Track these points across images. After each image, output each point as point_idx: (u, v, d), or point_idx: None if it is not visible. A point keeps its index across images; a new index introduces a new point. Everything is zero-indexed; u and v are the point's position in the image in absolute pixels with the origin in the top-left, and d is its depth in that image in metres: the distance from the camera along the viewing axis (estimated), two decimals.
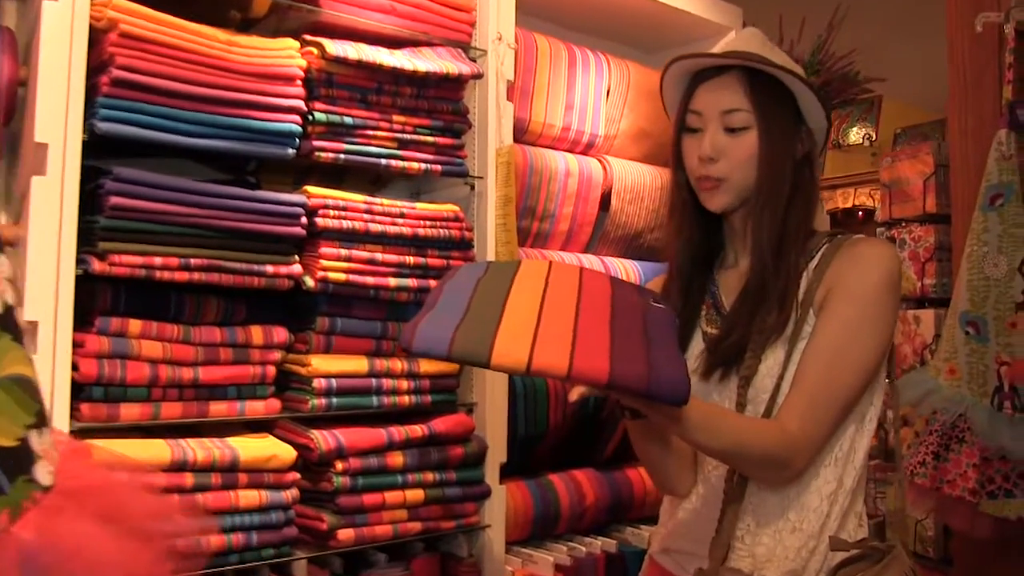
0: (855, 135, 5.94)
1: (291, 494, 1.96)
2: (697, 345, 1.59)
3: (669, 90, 1.63)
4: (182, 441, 1.86)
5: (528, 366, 1.13)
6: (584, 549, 2.52)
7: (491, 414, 2.33)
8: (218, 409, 1.94)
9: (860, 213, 5.33)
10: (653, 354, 1.19)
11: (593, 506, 2.57)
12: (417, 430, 2.14)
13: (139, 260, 1.80)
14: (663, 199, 1.61)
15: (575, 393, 1.21)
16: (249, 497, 1.89)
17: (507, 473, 2.37)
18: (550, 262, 1.38)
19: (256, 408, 2.00)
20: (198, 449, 1.85)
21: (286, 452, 1.96)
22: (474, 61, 2.34)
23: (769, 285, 1.48)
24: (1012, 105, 2.42)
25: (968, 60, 2.69)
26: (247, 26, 2.11)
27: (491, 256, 2.32)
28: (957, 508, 2.45)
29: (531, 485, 2.48)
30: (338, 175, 2.39)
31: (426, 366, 2.19)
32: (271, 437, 2.02)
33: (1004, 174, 2.42)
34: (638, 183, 2.80)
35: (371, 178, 2.48)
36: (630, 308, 1.28)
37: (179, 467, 1.81)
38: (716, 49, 1.63)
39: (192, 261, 1.86)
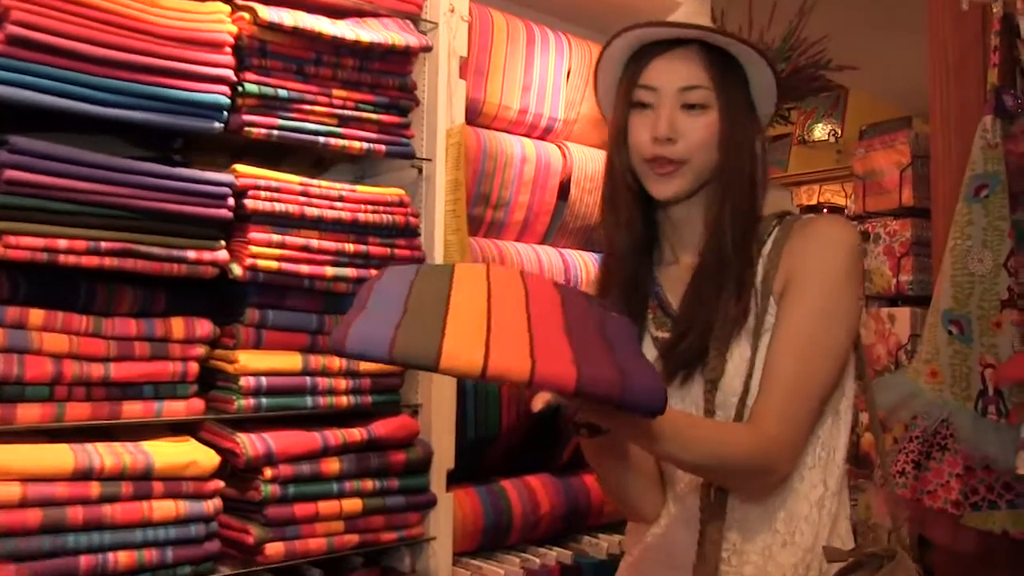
0: (820, 131, 5.83)
1: (213, 504, 1.78)
2: (649, 352, 1.45)
3: (608, 66, 1.46)
4: (88, 446, 1.67)
5: (484, 369, 0.98)
6: (538, 560, 2.38)
7: (437, 416, 2.16)
8: (132, 410, 1.76)
9: (825, 210, 5.23)
10: (620, 360, 1.04)
11: (548, 514, 2.42)
12: (355, 434, 1.98)
13: (40, 242, 1.61)
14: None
15: (539, 401, 1.07)
16: (164, 508, 1.70)
17: (455, 479, 2.22)
18: (487, 264, 1.24)
19: (176, 409, 1.82)
20: (106, 455, 1.66)
21: (207, 458, 1.77)
22: (424, 34, 2.16)
23: (726, 274, 1.36)
24: (998, 90, 2.29)
25: (950, 42, 2.55)
26: None
27: (439, 245, 2.15)
28: (939, 521, 2.32)
29: (481, 492, 2.33)
30: (277, 156, 2.21)
31: (366, 364, 2.01)
32: (192, 440, 1.84)
33: (989, 163, 2.28)
34: (599, 171, 2.61)
35: (312, 160, 2.30)
36: (582, 313, 1.14)
37: (84, 475, 1.62)
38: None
39: (102, 245, 1.67)
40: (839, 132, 5.83)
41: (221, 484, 1.80)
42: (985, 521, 2.24)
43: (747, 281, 1.36)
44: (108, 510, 1.64)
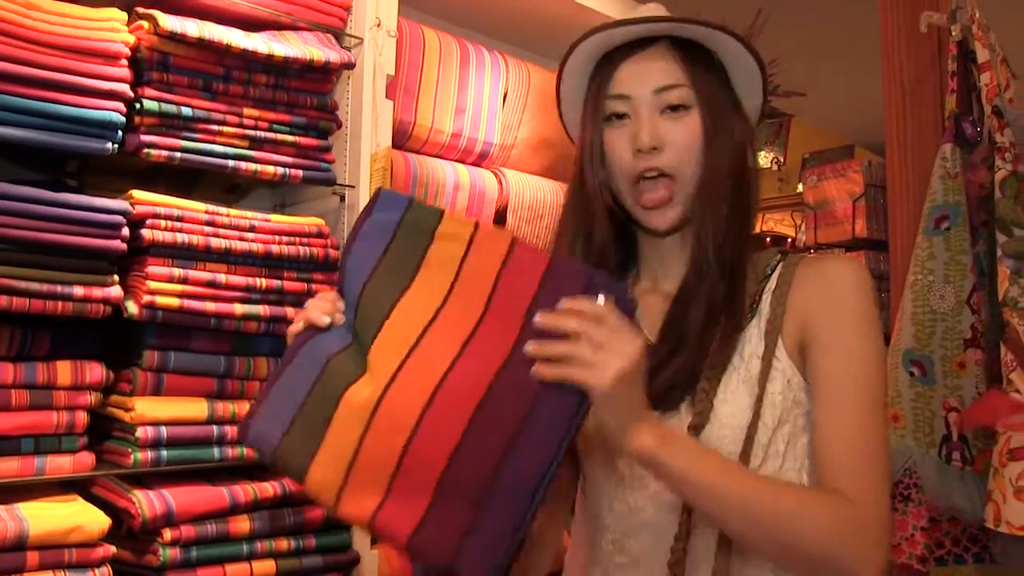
0: (763, 159, 5.74)
1: (101, 574, 1.57)
2: None
3: (571, 82, 1.31)
4: None
5: (336, 507, 0.99)
6: None
7: None
8: (7, 467, 1.55)
9: (768, 239, 5.12)
10: (495, 491, 0.95)
11: None
12: (268, 488, 1.79)
13: None
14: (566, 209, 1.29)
15: None
16: None
17: None
18: (409, 351, 1.04)
19: (61, 465, 1.61)
20: None
21: (94, 521, 1.57)
22: (348, 50, 1.99)
23: (716, 294, 1.18)
24: (957, 117, 2.18)
25: (906, 66, 2.43)
26: None
27: None
28: None
29: None
30: (189, 182, 2.02)
31: None
32: (80, 501, 1.63)
33: (950, 194, 2.16)
34: (537, 199, 2.48)
35: (227, 185, 2.11)
36: (518, 387, 1.00)
37: None
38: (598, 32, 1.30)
39: None
40: (781, 160, 5.75)
41: (112, 550, 1.59)
42: None
43: (738, 310, 1.19)
44: None
